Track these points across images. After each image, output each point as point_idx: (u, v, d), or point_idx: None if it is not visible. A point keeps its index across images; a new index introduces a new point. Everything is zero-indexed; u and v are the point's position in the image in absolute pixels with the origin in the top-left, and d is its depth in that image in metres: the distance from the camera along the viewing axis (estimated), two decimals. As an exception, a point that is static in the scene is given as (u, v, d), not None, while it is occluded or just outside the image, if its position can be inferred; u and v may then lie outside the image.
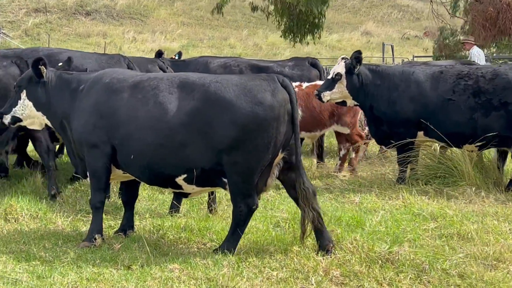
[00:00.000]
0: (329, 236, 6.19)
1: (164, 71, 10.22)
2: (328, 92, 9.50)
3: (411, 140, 9.21)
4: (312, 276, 5.51)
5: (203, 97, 5.96)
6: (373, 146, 12.85)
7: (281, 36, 23.38)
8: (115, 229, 7.01)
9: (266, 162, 5.99)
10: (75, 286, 5.32)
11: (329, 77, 9.45)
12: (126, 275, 5.53)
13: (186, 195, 6.51)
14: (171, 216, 7.52)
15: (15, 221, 7.34)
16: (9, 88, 7.96)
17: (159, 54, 11.80)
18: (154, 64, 10.39)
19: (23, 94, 6.91)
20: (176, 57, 12.20)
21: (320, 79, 11.12)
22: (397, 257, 5.80)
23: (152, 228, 7.00)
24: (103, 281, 5.41)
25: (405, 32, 48.95)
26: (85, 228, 7.12)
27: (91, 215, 7.43)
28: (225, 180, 6.06)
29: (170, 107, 6.02)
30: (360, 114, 10.60)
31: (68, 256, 6.05)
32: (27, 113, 6.95)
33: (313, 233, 6.21)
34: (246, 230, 6.31)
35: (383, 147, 10.76)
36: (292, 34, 22.57)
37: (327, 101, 9.61)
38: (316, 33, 22.89)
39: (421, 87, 9.11)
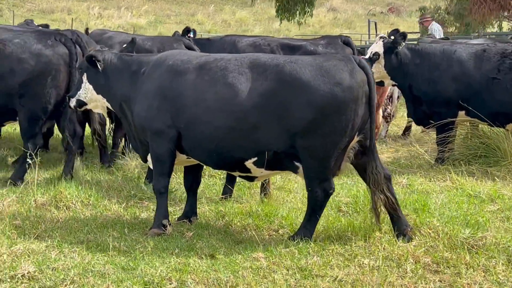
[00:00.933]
0: (405, 221, 6.07)
1: (191, 50, 9.94)
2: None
3: (452, 120, 9.12)
4: (406, 264, 5.38)
5: (277, 78, 5.75)
6: (393, 126, 12.82)
7: (276, 16, 23.19)
8: (176, 216, 6.79)
9: (342, 145, 5.83)
10: (167, 277, 5.11)
11: (366, 56, 9.27)
12: (214, 265, 5.35)
13: (252, 179, 6.31)
14: (226, 200, 7.33)
15: (66, 208, 7.05)
16: (59, 69, 7.68)
17: (187, 31, 11.45)
18: (180, 43, 10.08)
19: (84, 77, 6.69)
20: (192, 36, 11.85)
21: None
22: (483, 242, 5.71)
23: (216, 214, 6.80)
24: (193, 271, 5.21)
25: (370, 9, 49.12)
26: (143, 214, 6.91)
27: (144, 201, 7.30)
28: (297, 164, 5.89)
29: (241, 88, 5.80)
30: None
31: (145, 245, 5.82)
32: (89, 96, 6.75)
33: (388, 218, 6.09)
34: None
35: (421, 127, 10.64)
36: (287, 12, 22.39)
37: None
38: (308, 11, 22.79)
39: (464, 66, 9.02)
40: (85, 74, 6.71)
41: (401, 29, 10.11)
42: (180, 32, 11.57)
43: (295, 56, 6.23)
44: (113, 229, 6.37)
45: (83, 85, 6.74)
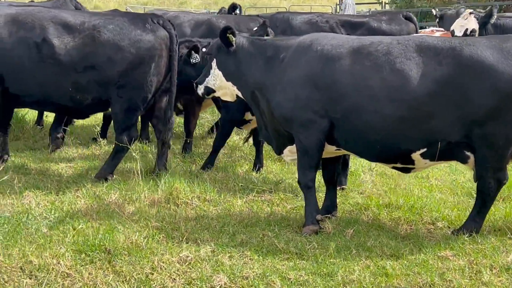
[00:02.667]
0: None
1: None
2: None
3: None
4: None
5: (454, 62, 5.37)
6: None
7: None
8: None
9: None
10: (376, 283, 4.75)
11: (460, 34, 8.93)
12: (412, 267, 5.01)
13: (409, 170, 5.94)
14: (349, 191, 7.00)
15: (185, 205, 6.55)
16: (162, 54, 7.09)
17: (233, 8, 10.89)
18: (256, 22, 9.55)
19: (214, 63, 6.23)
20: (238, 12, 11.29)
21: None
22: None
23: (355, 207, 6.44)
24: (395, 276, 4.87)
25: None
26: (271, 209, 6.49)
27: (262, 194, 6.89)
28: (468, 153, 5.56)
29: (412, 75, 5.39)
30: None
31: (314, 245, 5.42)
32: (218, 83, 6.29)
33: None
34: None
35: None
36: None
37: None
38: None
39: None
40: (214, 60, 6.22)
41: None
42: (226, 8, 10.99)
43: (469, 38, 5.84)
44: (259, 227, 5.93)
45: (212, 71, 6.28)
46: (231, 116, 7.80)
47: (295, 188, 7.06)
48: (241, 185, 7.21)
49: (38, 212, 6.20)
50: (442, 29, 11.20)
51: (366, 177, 7.58)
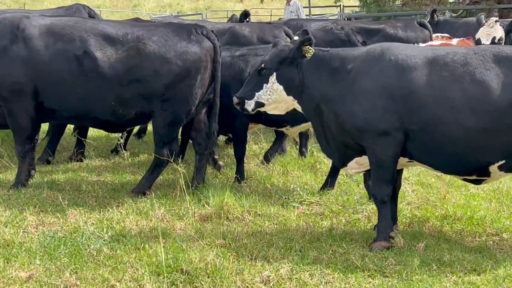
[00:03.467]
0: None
1: (290, 37, 9.28)
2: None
3: None
4: None
5: None
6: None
7: None
8: (371, 224, 6.29)
9: None
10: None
11: (488, 43, 8.91)
12: (497, 282, 4.96)
13: (480, 182, 5.86)
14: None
15: (238, 220, 6.36)
16: (207, 66, 6.90)
17: (245, 15, 10.72)
18: (280, 30, 9.39)
19: (273, 77, 5.93)
20: (248, 20, 11.11)
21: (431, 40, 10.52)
22: None
23: (410, 219, 6.36)
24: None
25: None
26: (328, 222, 6.34)
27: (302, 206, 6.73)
28: None
29: (493, 86, 5.29)
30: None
31: (388, 261, 5.32)
32: (275, 97, 6.00)
33: None
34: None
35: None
36: None
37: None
38: None
39: None
40: (274, 74, 5.95)
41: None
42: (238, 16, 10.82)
43: None
44: (324, 242, 5.79)
45: (267, 85, 5.97)
46: (242, 121, 7.61)
47: (340, 199, 6.99)
48: (285, 198, 7.04)
49: (89, 230, 5.95)
50: (447, 34, 11.19)
51: (405, 187, 7.49)
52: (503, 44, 8.84)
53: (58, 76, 6.72)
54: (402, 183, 7.22)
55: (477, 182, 5.83)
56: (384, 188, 5.68)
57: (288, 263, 5.27)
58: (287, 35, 9.34)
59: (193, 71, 6.80)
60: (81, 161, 8.49)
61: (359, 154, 5.83)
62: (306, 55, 5.83)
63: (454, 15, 22.66)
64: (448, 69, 5.43)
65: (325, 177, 7.66)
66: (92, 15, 9.70)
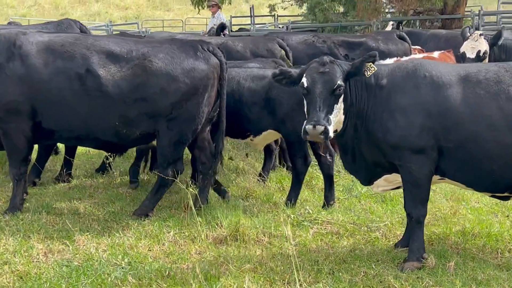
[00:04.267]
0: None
1: (285, 50, 9.14)
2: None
3: None
4: None
5: None
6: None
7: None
8: (391, 243, 6.19)
9: None
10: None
11: (472, 56, 9.03)
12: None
13: (508, 198, 5.85)
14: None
15: (255, 242, 6.15)
16: (214, 84, 6.67)
17: (222, 28, 10.51)
18: (274, 42, 9.21)
19: (341, 97, 5.53)
20: (226, 32, 10.90)
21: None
22: None
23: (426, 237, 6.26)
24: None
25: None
26: (345, 242, 6.21)
27: (326, 226, 6.62)
28: None
29: None
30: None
31: (424, 282, 5.24)
32: (337, 119, 5.56)
33: None
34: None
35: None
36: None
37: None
38: None
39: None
40: (342, 93, 5.54)
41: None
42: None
43: None
44: (352, 264, 5.63)
45: (337, 106, 5.46)
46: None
47: (349, 216, 6.89)
48: (295, 217, 6.86)
49: (103, 258, 5.64)
50: (418, 47, 11.25)
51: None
52: (487, 58, 8.93)
53: (58, 95, 6.36)
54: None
55: (505, 198, 5.81)
56: (419, 208, 5.57)
57: (324, 287, 5.10)
58: (281, 47, 9.20)
59: (200, 89, 6.54)
60: (69, 181, 8.08)
61: (389, 171, 5.71)
62: (367, 73, 5.56)
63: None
64: (482, 87, 5.39)
65: (322, 192, 7.54)
66: (83, 30, 9.28)
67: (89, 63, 6.33)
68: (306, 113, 5.53)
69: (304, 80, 5.52)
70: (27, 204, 7.00)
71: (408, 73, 5.56)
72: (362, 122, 5.61)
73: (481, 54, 8.97)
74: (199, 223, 6.35)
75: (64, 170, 8.06)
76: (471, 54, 9.03)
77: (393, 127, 5.44)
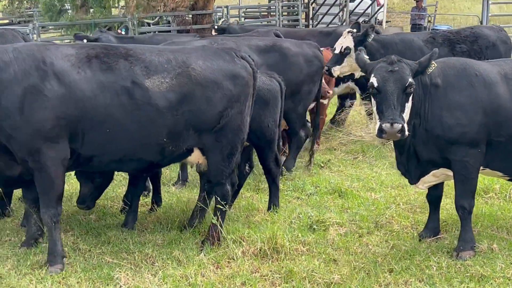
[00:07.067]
0: None
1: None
2: (338, 66, 9.78)
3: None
4: None
5: None
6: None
7: None
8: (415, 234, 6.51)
9: None
10: None
11: (337, 52, 9.73)
12: None
13: None
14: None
15: (297, 253, 6.09)
16: (251, 91, 6.41)
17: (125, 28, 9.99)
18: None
19: (411, 95, 5.68)
20: (123, 32, 10.26)
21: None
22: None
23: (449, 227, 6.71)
24: None
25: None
26: (382, 237, 6.46)
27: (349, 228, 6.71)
28: None
29: None
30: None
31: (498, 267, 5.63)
32: (407, 118, 5.66)
33: None
34: None
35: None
36: None
37: (337, 75, 9.89)
38: None
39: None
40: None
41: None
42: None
43: None
44: (408, 260, 5.89)
45: (407, 104, 5.61)
46: None
47: (355, 214, 7.09)
48: (310, 222, 6.83)
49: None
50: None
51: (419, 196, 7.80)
52: (352, 53, 9.55)
53: (104, 113, 5.61)
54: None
55: None
56: (471, 199, 5.96)
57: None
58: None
59: (242, 97, 6.22)
60: None
61: (437, 167, 6.04)
62: (429, 70, 5.75)
63: (151, 22, 23.48)
64: None
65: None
66: (26, 39, 8.19)
67: (133, 75, 5.70)
68: (376, 113, 5.64)
69: (373, 80, 5.63)
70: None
71: (459, 71, 5.91)
72: (420, 121, 5.85)
73: (342, 49, 9.69)
74: (227, 239, 6.18)
75: None
76: (337, 50, 9.79)
77: (453, 124, 5.76)
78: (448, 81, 5.87)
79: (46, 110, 5.40)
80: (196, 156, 6.32)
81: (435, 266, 5.74)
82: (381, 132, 5.49)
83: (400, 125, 5.41)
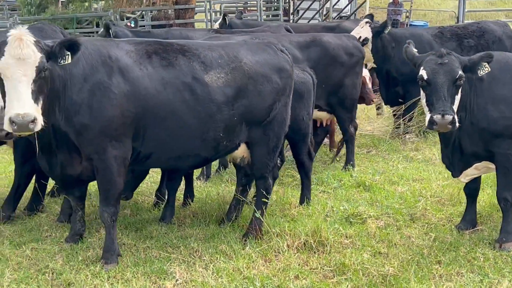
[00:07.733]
0: None
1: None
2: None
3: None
4: None
5: None
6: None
7: None
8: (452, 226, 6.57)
9: None
10: None
11: None
12: None
13: None
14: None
15: (342, 246, 6.09)
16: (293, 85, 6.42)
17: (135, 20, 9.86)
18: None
19: (461, 88, 5.70)
20: (132, 25, 10.11)
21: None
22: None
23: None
24: None
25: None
26: (421, 229, 6.53)
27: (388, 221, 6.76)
28: None
29: None
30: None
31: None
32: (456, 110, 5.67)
33: None
34: None
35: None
36: None
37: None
38: None
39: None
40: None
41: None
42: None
43: None
44: (453, 251, 5.95)
45: (457, 97, 5.64)
46: None
47: (382, 209, 7.10)
48: (345, 215, 6.87)
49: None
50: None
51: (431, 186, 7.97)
52: (368, 44, 9.84)
53: (167, 110, 5.56)
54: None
55: None
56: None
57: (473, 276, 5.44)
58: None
59: (287, 89, 6.26)
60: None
61: (480, 160, 6.09)
62: (480, 72, 5.76)
63: (133, 16, 23.18)
64: None
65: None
66: (65, 35, 7.96)
67: (193, 71, 5.67)
68: (426, 105, 5.67)
69: (423, 72, 5.66)
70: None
71: (502, 65, 5.99)
72: (466, 114, 5.89)
73: (361, 40, 9.70)
74: (272, 233, 6.15)
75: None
76: None
77: (498, 117, 5.84)
78: (492, 75, 5.92)
79: (114, 107, 5.33)
80: (242, 150, 6.31)
81: (481, 257, 5.82)
82: (431, 123, 5.52)
83: (451, 117, 5.44)
